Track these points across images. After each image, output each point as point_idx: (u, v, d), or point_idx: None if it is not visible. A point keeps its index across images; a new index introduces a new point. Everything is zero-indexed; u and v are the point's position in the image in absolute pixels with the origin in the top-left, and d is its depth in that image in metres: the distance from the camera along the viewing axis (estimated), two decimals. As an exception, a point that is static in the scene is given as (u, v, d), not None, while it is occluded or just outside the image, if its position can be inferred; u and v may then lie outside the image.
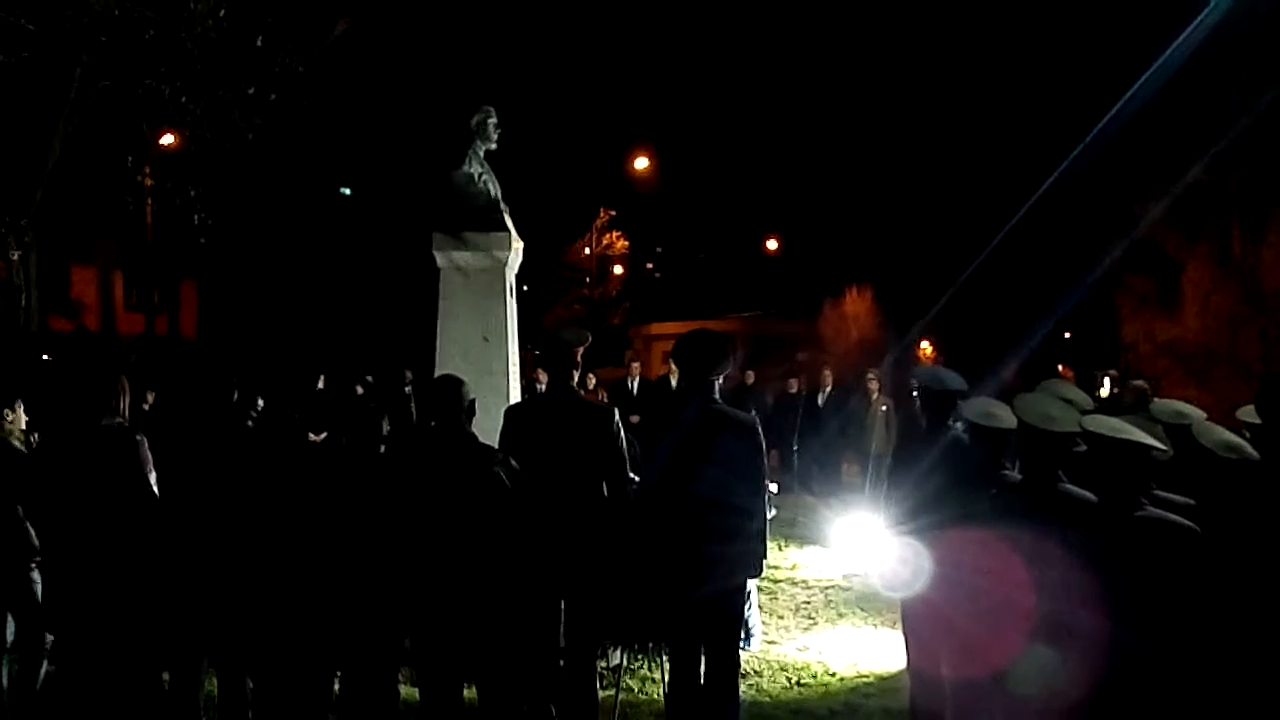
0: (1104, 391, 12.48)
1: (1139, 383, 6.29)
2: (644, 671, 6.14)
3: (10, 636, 5.14)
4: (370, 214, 30.44)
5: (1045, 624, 3.26)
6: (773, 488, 6.43)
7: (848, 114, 41.76)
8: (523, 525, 4.30)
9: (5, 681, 5.13)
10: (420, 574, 4.23)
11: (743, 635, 5.84)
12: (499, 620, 4.31)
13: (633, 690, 5.92)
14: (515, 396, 6.93)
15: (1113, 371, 14.72)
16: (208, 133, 14.33)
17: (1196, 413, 4.46)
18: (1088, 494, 3.48)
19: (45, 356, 15.21)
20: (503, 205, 7.27)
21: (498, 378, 6.83)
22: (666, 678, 4.94)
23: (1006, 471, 4.26)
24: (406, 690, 5.55)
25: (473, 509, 4.21)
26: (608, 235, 37.32)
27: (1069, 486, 3.54)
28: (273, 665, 4.55)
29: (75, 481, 4.18)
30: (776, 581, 8.92)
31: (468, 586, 4.20)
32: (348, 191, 31.90)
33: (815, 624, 7.71)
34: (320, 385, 5.21)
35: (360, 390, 11.55)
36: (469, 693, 4.55)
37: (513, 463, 4.37)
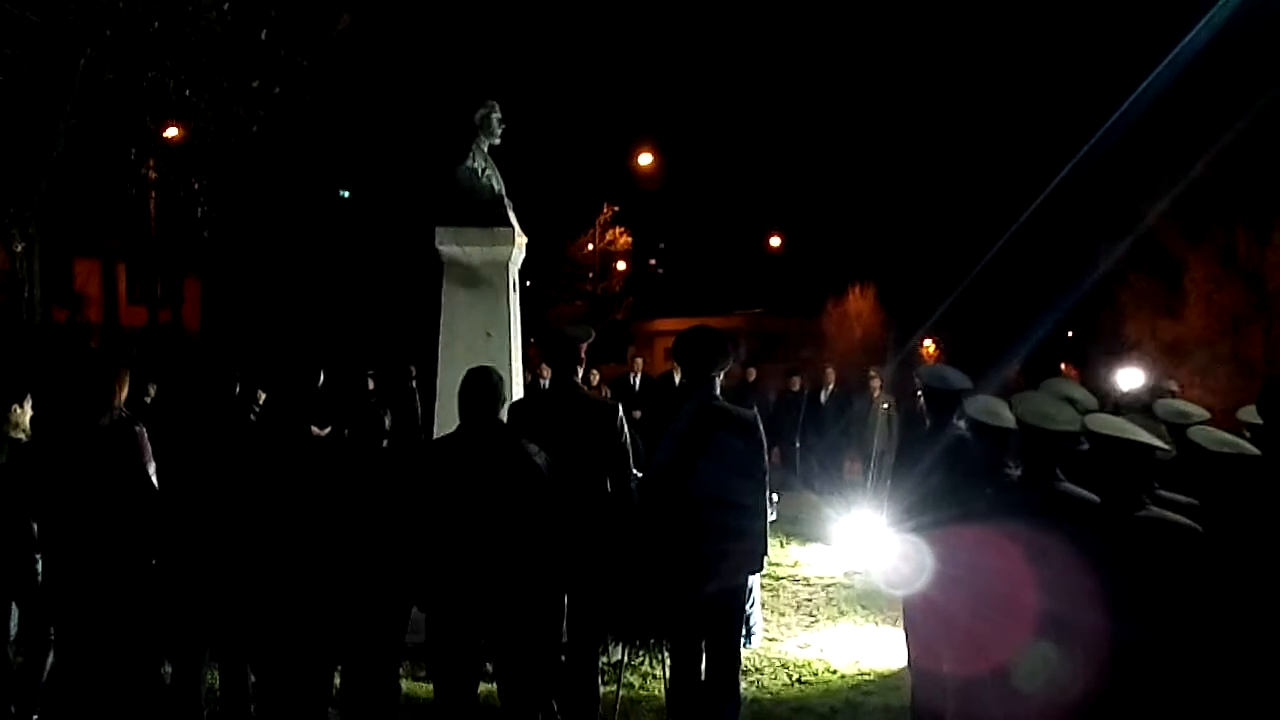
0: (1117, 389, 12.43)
1: (1172, 385, 6.32)
2: (645, 667, 6.15)
3: (14, 629, 5.15)
4: (374, 209, 30.44)
5: (1047, 621, 3.26)
6: (774, 497, 6.44)
7: (852, 111, 41.82)
8: (558, 514, 4.30)
9: (10, 674, 5.13)
10: (456, 565, 4.19)
11: (744, 632, 5.84)
12: (529, 610, 4.31)
13: (634, 686, 5.93)
14: (518, 392, 6.93)
15: (1115, 369, 14.70)
16: (211, 125, 14.32)
17: (1200, 412, 4.46)
18: (1087, 493, 3.48)
19: (47, 349, 15.23)
20: (506, 200, 7.26)
21: (501, 373, 6.82)
22: (667, 674, 4.94)
23: (1008, 470, 4.26)
24: (408, 685, 5.57)
25: (514, 499, 4.19)
26: (611, 231, 37.27)
27: (1068, 485, 3.54)
28: (274, 658, 4.55)
29: (74, 473, 4.18)
30: (778, 579, 8.92)
31: (509, 577, 4.19)
32: (346, 194, 31.90)
33: (817, 621, 7.71)
34: (320, 381, 5.22)
35: (371, 384, 11.60)
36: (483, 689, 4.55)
37: (544, 454, 4.34)
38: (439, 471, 4.28)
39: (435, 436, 7.05)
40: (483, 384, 4.36)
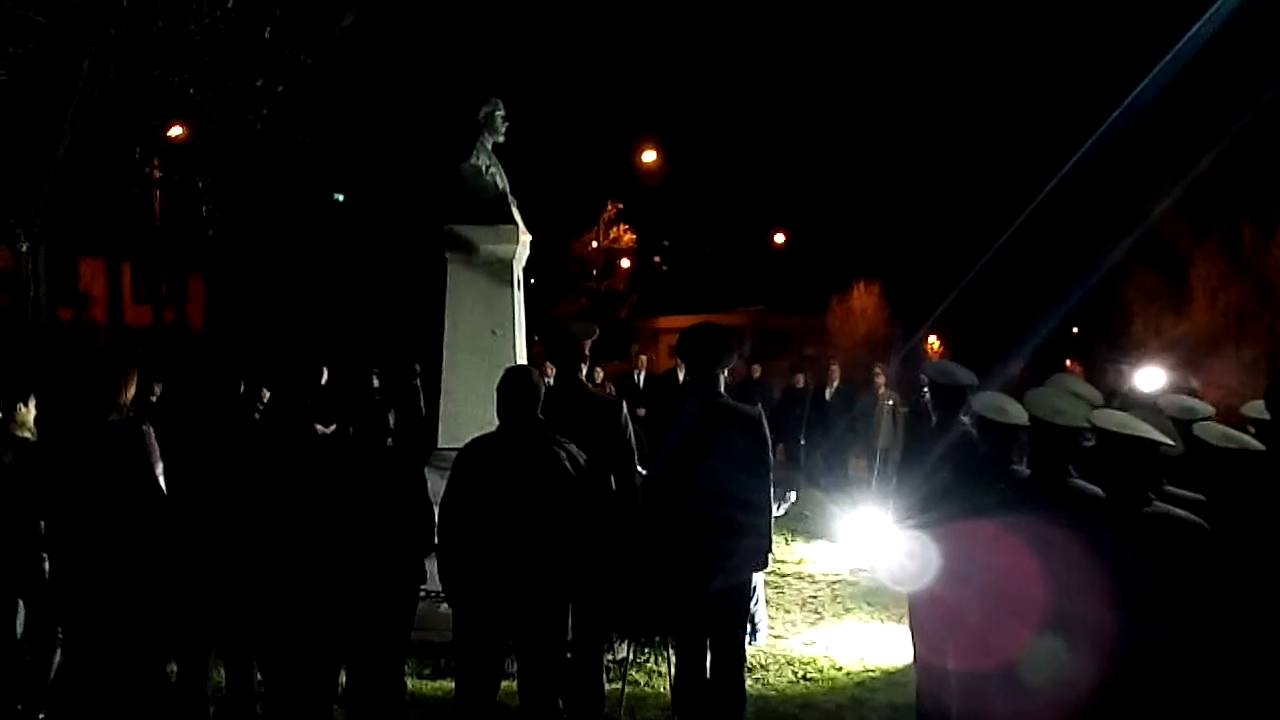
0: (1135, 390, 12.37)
1: (1194, 384, 6.32)
2: (650, 665, 6.15)
3: (21, 627, 5.16)
4: (378, 207, 30.44)
5: (1053, 617, 3.25)
6: (791, 495, 6.41)
7: (856, 108, 41.70)
8: (593, 513, 4.32)
9: (17, 672, 5.15)
10: (496, 563, 4.19)
11: (749, 629, 5.84)
12: (558, 608, 4.33)
13: (639, 683, 5.93)
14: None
15: (1122, 366, 14.67)
16: (215, 124, 14.33)
17: (1205, 408, 4.46)
18: (1097, 489, 3.47)
19: (52, 348, 15.24)
20: (510, 198, 7.27)
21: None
22: (673, 671, 4.94)
23: (1015, 467, 4.25)
24: (413, 683, 5.57)
25: (556, 498, 4.20)
26: (615, 228, 37.22)
27: (1078, 482, 3.53)
28: (280, 656, 4.56)
29: (81, 473, 4.19)
30: (783, 576, 8.92)
31: (546, 575, 4.21)
32: (340, 198, 31.94)
33: (822, 618, 7.71)
34: (324, 378, 5.24)
35: (375, 382, 11.60)
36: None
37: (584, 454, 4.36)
38: (480, 470, 4.28)
39: (440, 432, 7.09)
40: (522, 383, 4.36)
